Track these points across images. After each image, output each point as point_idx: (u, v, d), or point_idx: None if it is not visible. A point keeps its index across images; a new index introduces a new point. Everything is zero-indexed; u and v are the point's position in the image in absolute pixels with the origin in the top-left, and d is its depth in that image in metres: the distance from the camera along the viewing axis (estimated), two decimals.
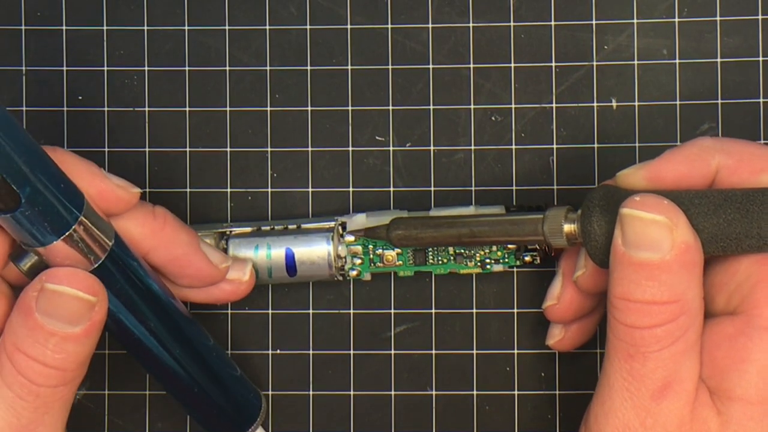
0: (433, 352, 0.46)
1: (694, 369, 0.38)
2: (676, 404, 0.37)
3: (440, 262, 0.45)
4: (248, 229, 0.45)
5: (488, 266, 0.45)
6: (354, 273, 0.45)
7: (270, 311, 0.46)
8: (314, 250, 0.44)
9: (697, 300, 0.38)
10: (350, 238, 0.45)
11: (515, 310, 0.46)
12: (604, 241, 0.39)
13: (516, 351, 0.46)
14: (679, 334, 0.37)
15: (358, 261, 0.45)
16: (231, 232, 0.45)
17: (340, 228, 0.45)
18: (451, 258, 0.45)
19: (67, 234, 0.37)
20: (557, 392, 0.46)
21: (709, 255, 0.38)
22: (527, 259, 0.45)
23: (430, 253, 0.45)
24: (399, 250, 0.45)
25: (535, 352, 0.46)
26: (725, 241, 0.38)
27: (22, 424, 0.38)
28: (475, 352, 0.46)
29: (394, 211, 0.45)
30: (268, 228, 0.45)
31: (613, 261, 0.38)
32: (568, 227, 0.40)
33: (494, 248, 0.45)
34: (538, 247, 0.44)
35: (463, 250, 0.45)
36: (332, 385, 0.46)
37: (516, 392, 0.46)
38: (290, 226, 0.45)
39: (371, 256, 0.45)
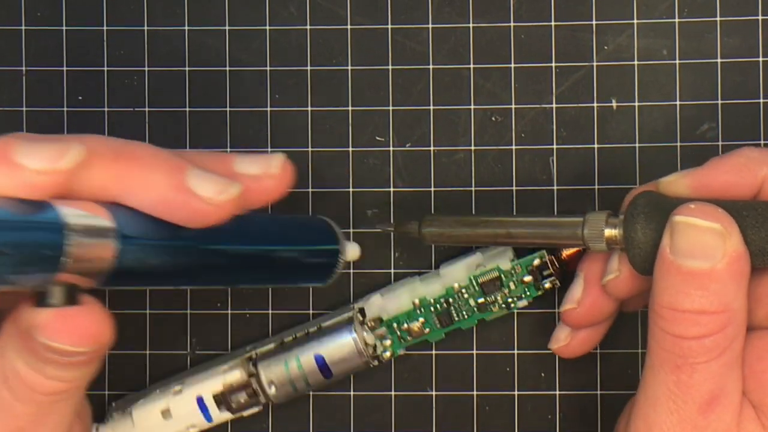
0: (433, 352, 0.46)
1: (739, 381, 0.37)
2: (724, 418, 0.37)
3: (465, 317, 0.45)
4: (271, 345, 0.45)
5: (513, 305, 0.45)
6: (387, 354, 0.45)
7: (270, 311, 0.46)
8: (341, 348, 0.44)
9: (742, 310, 0.37)
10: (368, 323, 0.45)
11: (515, 311, 0.46)
12: (648, 249, 0.38)
13: (516, 351, 0.46)
14: (726, 345, 0.36)
15: (388, 342, 0.45)
16: (257, 354, 0.45)
17: (359, 315, 0.45)
18: (474, 309, 0.45)
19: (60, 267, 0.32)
20: (557, 392, 0.46)
21: (755, 267, 0.38)
22: (547, 285, 0.44)
23: (453, 311, 0.45)
24: (422, 319, 0.44)
25: (535, 352, 0.46)
26: None
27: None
28: (475, 352, 0.46)
29: (405, 283, 0.45)
30: (290, 338, 0.45)
31: (660, 269, 0.37)
32: (609, 232, 0.39)
33: (512, 286, 0.44)
34: (553, 271, 0.44)
35: (484, 298, 0.44)
36: (332, 385, 0.46)
37: (516, 392, 0.46)
38: (311, 329, 0.45)
39: (398, 333, 0.45)
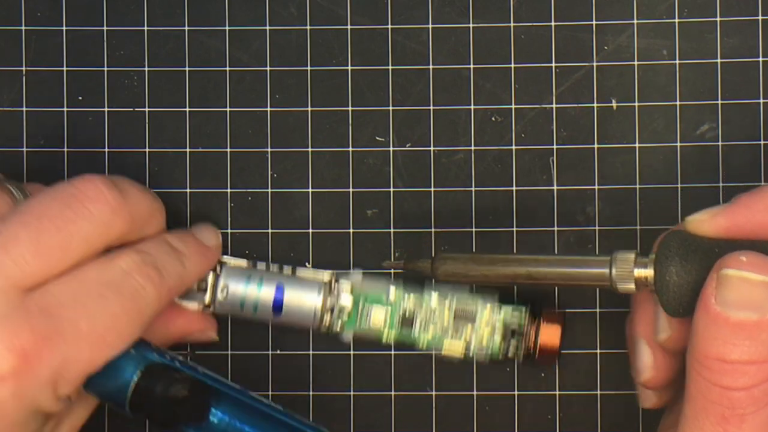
0: (434, 352, 0.46)
1: None
2: None
3: (425, 332, 0.45)
4: (244, 263, 0.45)
5: (472, 349, 0.45)
6: (338, 327, 0.45)
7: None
8: (304, 295, 0.44)
9: None
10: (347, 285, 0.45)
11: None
12: (684, 292, 0.37)
13: None
14: None
15: (345, 316, 0.45)
16: (227, 262, 0.45)
17: (334, 281, 0.45)
18: (438, 332, 0.45)
19: None
20: (557, 392, 0.46)
21: None
22: (510, 354, 0.44)
23: (418, 321, 0.45)
24: (389, 308, 0.44)
25: None
26: None
27: None
28: None
29: (390, 281, 0.45)
30: (263, 266, 0.45)
31: (704, 319, 0.36)
32: (639, 273, 0.39)
33: (484, 331, 0.44)
34: (523, 345, 0.44)
35: (452, 325, 0.44)
36: (332, 385, 0.46)
37: (516, 392, 0.46)
38: (286, 269, 0.45)
39: (359, 312, 0.45)
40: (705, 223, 0.39)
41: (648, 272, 0.38)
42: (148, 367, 0.40)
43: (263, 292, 0.44)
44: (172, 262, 0.41)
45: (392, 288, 0.45)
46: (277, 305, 0.44)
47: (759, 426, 0.36)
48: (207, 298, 0.45)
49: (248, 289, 0.44)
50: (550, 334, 0.44)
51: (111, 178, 0.41)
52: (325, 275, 0.45)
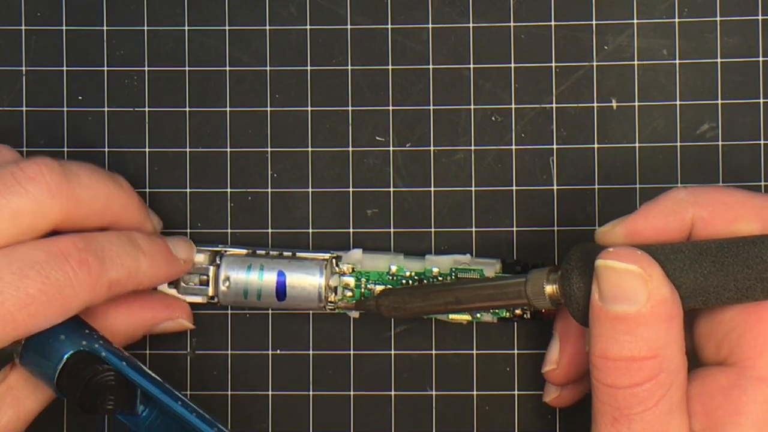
0: (433, 352, 0.46)
1: (682, 427, 0.37)
2: None
3: None
4: (243, 251, 0.45)
5: (478, 315, 0.45)
6: (342, 304, 0.45)
7: (270, 311, 0.46)
8: (306, 277, 0.44)
9: (677, 356, 0.37)
10: (344, 268, 0.45)
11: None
12: (584, 302, 0.38)
13: (516, 351, 0.46)
14: (662, 393, 0.36)
15: (349, 293, 0.45)
16: (226, 251, 0.45)
17: (334, 261, 0.45)
18: None
19: None
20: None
21: (690, 308, 0.38)
22: (517, 312, 0.45)
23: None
24: (390, 286, 0.45)
25: (535, 352, 0.46)
26: (704, 295, 0.37)
27: None
28: (475, 352, 0.46)
29: (389, 254, 0.45)
30: (263, 252, 0.45)
31: (591, 318, 0.37)
32: (549, 289, 0.40)
33: None
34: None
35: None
36: (332, 385, 0.46)
37: (516, 392, 0.46)
38: (285, 253, 0.45)
39: (363, 290, 0.45)
40: (609, 233, 0.39)
41: (557, 287, 0.40)
42: (77, 354, 0.40)
43: (265, 279, 0.44)
44: (124, 255, 0.40)
45: (392, 264, 0.45)
46: (281, 290, 0.44)
47: (648, 427, 0.36)
48: (210, 290, 0.45)
49: (250, 277, 0.45)
50: None
51: (64, 162, 0.40)
52: (325, 255, 0.45)
